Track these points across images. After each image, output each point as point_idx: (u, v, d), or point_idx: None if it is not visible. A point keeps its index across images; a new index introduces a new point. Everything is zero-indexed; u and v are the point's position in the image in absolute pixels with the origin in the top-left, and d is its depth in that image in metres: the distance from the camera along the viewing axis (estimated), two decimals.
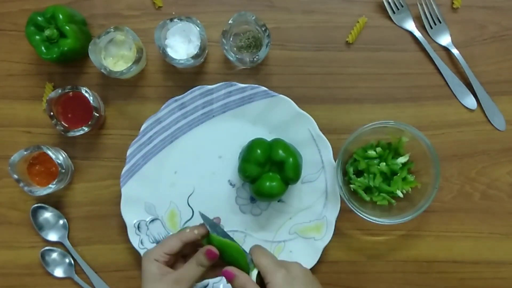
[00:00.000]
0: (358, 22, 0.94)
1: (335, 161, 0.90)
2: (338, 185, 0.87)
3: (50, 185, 0.88)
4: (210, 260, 0.75)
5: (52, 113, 0.87)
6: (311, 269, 0.90)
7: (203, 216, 0.79)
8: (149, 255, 0.77)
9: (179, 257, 0.80)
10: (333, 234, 0.91)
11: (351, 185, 0.90)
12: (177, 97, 0.90)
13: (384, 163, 0.90)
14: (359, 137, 0.88)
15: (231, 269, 0.74)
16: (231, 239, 0.78)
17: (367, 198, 0.90)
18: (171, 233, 0.93)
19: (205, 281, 0.92)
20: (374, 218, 0.87)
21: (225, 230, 0.93)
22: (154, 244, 0.91)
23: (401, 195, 0.90)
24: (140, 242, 0.91)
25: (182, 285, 0.75)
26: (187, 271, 0.76)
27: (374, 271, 0.94)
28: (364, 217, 0.87)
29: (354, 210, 0.87)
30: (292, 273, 0.74)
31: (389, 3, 0.94)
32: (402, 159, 0.90)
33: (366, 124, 0.93)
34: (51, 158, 0.88)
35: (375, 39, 0.95)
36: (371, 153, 0.90)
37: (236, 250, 0.75)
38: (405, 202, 0.91)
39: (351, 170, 0.91)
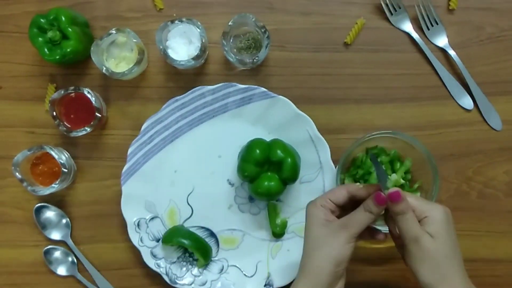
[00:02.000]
0: (356, 23, 0.95)
1: (333, 161, 0.91)
2: None
3: (53, 185, 0.89)
4: (379, 206, 0.72)
5: (55, 114, 0.88)
6: None
7: (375, 161, 0.76)
8: (315, 201, 0.76)
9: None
10: None
11: None
12: (177, 97, 0.91)
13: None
14: (358, 145, 0.88)
15: (400, 191, 0.71)
16: None
17: None
18: None
19: (204, 279, 0.93)
20: (373, 225, 0.87)
21: (223, 229, 0.94)
22: (154, 242, 0.92)
23: None
24: (140, 239, 0.92)
25: (350, 230, 0.72)
26: (355, 216, 0.73)
27: (372, 269, 0.95)
28: None
29: None
30: (448, 212, 0.73)
31: (386, 5, 0.95)
32: (401, 180, 0.90)
33: (365, 125, 0.94)
34: (54, 158, 0.89)
35: (373, 40, 0.95)
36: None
37: None
38: None
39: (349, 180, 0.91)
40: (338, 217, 0.76)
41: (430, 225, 0.71)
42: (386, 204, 0.72)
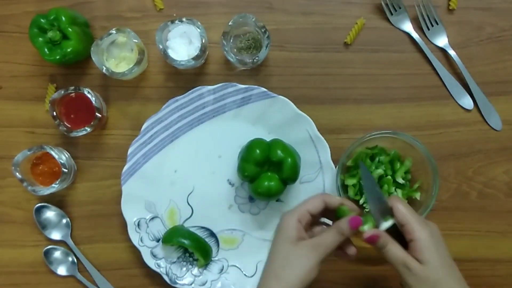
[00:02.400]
0: (357, 23, 0.95)
1: (333, 161, 0.91)
2: (338, 193, 0.88)
3: (53, 185, 0.89)
4: (352, 229, 0.71)
5: (55, 114, 0.88)
6: None
7: (364, 170, 0.76)
8: (293, 213, 0.74)
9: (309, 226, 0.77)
10: None
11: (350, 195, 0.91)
12: (177, 97, 0.91)
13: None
14: (358, 145, 0.89)
15: (374, 231, 0.71)
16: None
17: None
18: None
19: (204, 279, 0.93)
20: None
21: (223, 229, 0.94)
22: (154, 242, 0.93)
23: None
24: (140, 239, 0.92)
25: (319, 252, 0.71)
26: (327, 237, 0.72)
27: (373, 269, 0.95)
28: None
29: None
30: (436, 232, 0.72)
31: (387, 5, 0.95)
32: (400, 180, 0.90)
33: (365, 125, 0.94)
34: (54, 158, 0.89)
35: (373, 40, 0.95)
36: (378, 171, 0.90)
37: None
38: None
39: (350, 182, 0.91)
40: (306, 226, 0.76)
41: (418, 251, 0.70)
42: (360, 225, 0.72)
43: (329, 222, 0.80)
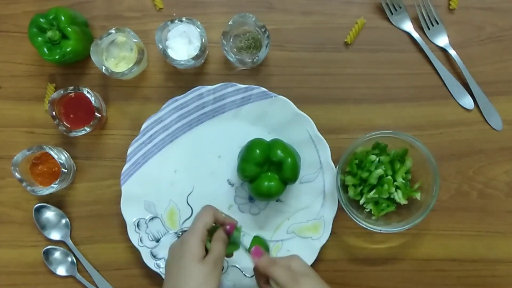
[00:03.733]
0: (357, 23, 0.95)
1: (333, 161, 0.91)
2: (338, 193, 0.88)
3: (52, 185, 0.89)
4: (229, 232, 0.79)
5: (54, 114, 0.88)
6: None
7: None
8: (195, 234, 0.77)
9: None
10: (331, 234, 0.91)
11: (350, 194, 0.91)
12: (177, 97, 0.91)
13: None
14: (359, 145, 0.89)
15: (260, 248, 0.80)
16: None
17: (374, 212, 0.91)
18: (170, 232, 0.94)
19: None
20: (372, 226, 0.88)
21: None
22: (154, 242, 0.92)
23: (405, 202, 0.90)
24: (140, 240, 0.92)
25: (219, 264, 0.77)
26: (218, 250, 0.77)
27: (372, 270, 0.95)
28: (363, 225, 0.87)
29: (353, 218, 0.87)
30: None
31: (387, 4, 0.95)
32: (401, 179, 0.90)
33: (365, 125, 0.94)
34: (53, 158, 0.89)
35: (374, 40, 0.95)
36: (378, 171, 0.90)
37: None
38: (403, 210, 0.91)
39: (349, 179, 0.91)
40: None
41: (295, 269, 0.77)
42: (232, 230, 0.80)
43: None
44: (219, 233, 0.79)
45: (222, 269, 0.79)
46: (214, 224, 0.80)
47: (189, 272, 0.74)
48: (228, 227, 0.80)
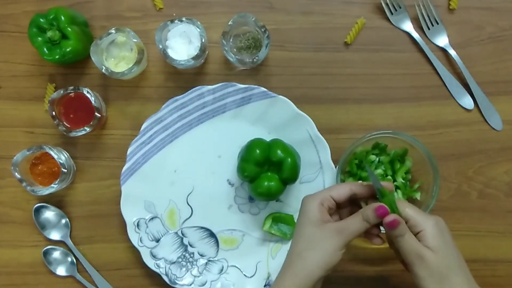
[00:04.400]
0: (357, 23, 0.95)
1: (333, 161, 0.91)
2: None
3: (52, 185, 0.89)
4: (378, 218, 0.72)
5: (54, 114, 0.88)
6: None
7: (372, 176, 0.75)
8: (315, 196, 0.75)
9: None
10: None
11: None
12: (177, 97, 0.91)
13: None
14: (358, 145, 0.89)
15: (395, 216, 0.71)
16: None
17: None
18: (170, 232, 0.94)
19: (203, 279, 0.92)
20: None
21: (223, 229, 0.94)
22: (154, 242, 0.92)
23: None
24: (140, 240, 0.92)
25: (345, 237, 0.72)
26: (352, 223, 0.73)
27: (372, 270, 0.95)
28: None
29: None
30: (441, 222, 0.73)
31: (387, 4, 0.95)
32: (401, 180, 0.90)
33: (365, 125, 0.94)
34: (53, 158, 0.89)
35: (374, 40, 0.95)
36: (378, 171, 0.90)
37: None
38: None
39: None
40: (332, 215, 0.76)
41: (427, 240, 0.71)
42: (387, 215, 0.72)
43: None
44: (367, 210, 0.73)
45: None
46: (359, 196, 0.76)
47: (302, 233, 0.73)
48: (377, 211, 0.72)
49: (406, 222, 0.73)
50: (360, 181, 0.77)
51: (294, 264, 0.73)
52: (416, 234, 0.72)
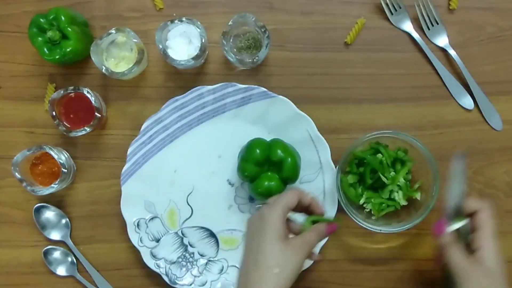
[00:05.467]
0: (357, 23, 0.95)
1: (333, 161, 0.91)
2: (338, 193, 0.88)
3: (52, 185, 0.89)
4: (329, 234, 0.77)
5: (54, 114, 0.88)
6: (309, 268, 0.91)
7: (459, 163, 0.79)
8: (276, 209, 0.74)
9: None
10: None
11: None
12: (177, 97, 0.91)
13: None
14: (358, 145, 0.89)
15: (443, 224, 0.76)
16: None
17: (373, 212, 0.91)
18: (170, 232, 0.94)
19: (203, 279, 0.93)
20: (372, 226, 0.87)
21: (223, 229, 0.94)
22: (154, 242, 0.92)
23: (404, 203, 0.90)
24: (140, 240, 0.92)
25: (305, 251, 0.73)
26: (310, 238, 0.75)
27: (372, 270, 0.95)
28: (363, 225, 0.87)
29: (353, 218, 0.87)
30: (500, 250, 0.75)
31: (387, 4, 0.95)
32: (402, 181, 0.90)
33: (365, 124, 0.94)
34: (53, 158, 0.89)
35: (374, 40, 0.95)
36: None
37: None
38: (403, 210, 0.91)
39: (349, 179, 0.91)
40: None
41: (485, 261, 0.73)
42: (335, 231, 0.77)
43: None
44: (320, 227, 0.76)
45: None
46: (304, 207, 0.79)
47: (270, 248, 0.72)
48: (328, 228, 0.77)
49: (476, 230, 0.76)
50: (305, 191, 0.79)
51: (269, 280, 0.71)
52: (476, 247, 0.74)
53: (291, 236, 0.76)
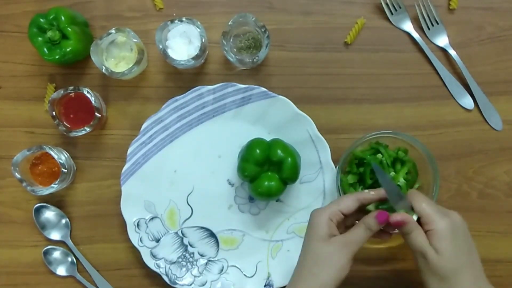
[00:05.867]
0: (357, 23, 0.95)
1: (333, 161, 0.91)
2: (338, 193, 0.88)
3: (52, 185, 0.89)
4: (380, 224, 0.74)
5: (54, 114, 0.88)
6: None
7: (377, 168, 0.78)
8: (324, 212, 0.74)
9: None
10: None
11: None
12: (177, 97, 0.91)
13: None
14: (358, 145, 0.89)
15: (401, 216, 0.72)
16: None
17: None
18: (170, 232, 0.94)
19: (203, 279, 0.92)
20: None
21: (223, 229, 0.94)
22: (154, 242, 0.92)
23: None
24: (140, 240, 0.92)
25: (350, 248, 0.73)
26: (356, 234, 0.74)
27: (372, 270, 0.95)
28: None
29: None
30: (456, 223, 0.73)
31: (387, 4, 0.95)
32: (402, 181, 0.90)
33: (365, 125, 0.94)
34: (53, 158, 0.89)
35: (374, 40, 0.95)
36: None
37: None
38: None
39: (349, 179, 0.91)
40: (338, 225, 0.76)
41: (435, 240, 0.71)
42: (387, 220, 0.73)
43: None
44: (367, 218, 0.74)
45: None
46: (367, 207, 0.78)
47: (310, 248, 0.74)
48: (378, 217, 0.73)
49: (420, 218, 0.73)
50: (366, 190, 0.78)
51: (306, 280, 0.73)
52: (426, 231, 0.72)
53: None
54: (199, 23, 0.88)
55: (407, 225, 0.72)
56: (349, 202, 0.76)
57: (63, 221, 0.95)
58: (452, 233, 0.72)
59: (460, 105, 0.95)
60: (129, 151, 0.91)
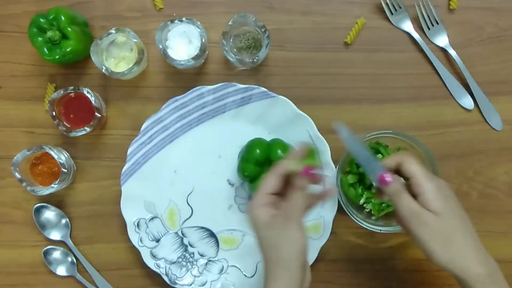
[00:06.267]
0: (357, 23, 0.95)
1: (333, 161, 0.91)
2: (338, 193, 0.88)
3: (52, 185, 0.89)
4: (306, 177, 0.70)
5: (54, 114, 0.88)
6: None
7: (345, 132, 0.75)
8: (254, 203, 0.72)
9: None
10: (331, 234, 0.91)
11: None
12: (177, 97, 0.91)
13: None
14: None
15: (387, 175, 0.71)
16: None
17: (372, 212, 0.91)
18: (170, 232, 0.94)
19: (203, 279, 0.93)
20: (372, 226, 0.87)
21: (223, 229, 0.94)
22: (154, 242, 0.92)
23: None
24: (140, 240, 0.92)
25: (293, 218, 0.70)
26: (292, 200, 0.71)
27: (372, 269, 0.95)
28: (363, 225, 0.87)
29: (353, 218, 0.87)
30: (444, 185, 0.72)
31: (387, 4, 0.95)
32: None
33: (365, 125, 0.94)
34: (53, 158, 0.89)
35: (374, 40, 0.95)
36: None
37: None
38: None
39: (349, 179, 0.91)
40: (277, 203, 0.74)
41: (428, 202, 0.70)
42: (314, 172, 0.70)
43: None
44: (295, 180, 0.71)
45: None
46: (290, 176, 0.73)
47: (262, 242, 0.72)
48: (302, 171, 0.70)
49: (409, 179, 0.72)
50: (285, 159, 0.74)
51: (271, 270, 0.71)
52: (417, 195, 0.71)
53: None
54: (199, 23, 0.88)
55: (394, 184, 0.71)
56: (272, 181, 0.72)
57: (63, 221, 0.95)
58: (444, 194, 0.71)
59: (460, 105, 0.95)
60: (129, 151, 0.91)
